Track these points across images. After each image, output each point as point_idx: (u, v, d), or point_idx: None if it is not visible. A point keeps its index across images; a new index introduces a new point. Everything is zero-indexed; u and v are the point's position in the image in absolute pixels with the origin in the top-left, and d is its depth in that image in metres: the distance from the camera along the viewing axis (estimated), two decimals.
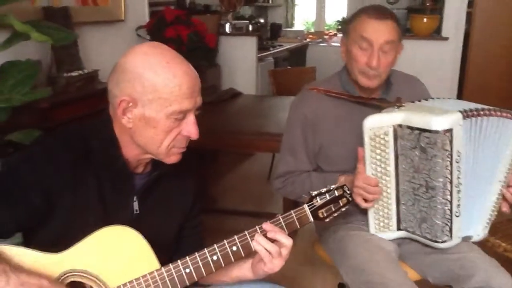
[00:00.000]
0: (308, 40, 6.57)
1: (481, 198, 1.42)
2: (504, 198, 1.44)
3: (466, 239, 1.45)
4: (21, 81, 1.56)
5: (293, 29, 6.69)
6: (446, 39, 3.96)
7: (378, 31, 1.43)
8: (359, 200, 1.41)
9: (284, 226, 1.13)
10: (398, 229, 1.46)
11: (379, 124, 1.35)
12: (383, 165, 1.39)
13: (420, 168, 1.33)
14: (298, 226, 1.15)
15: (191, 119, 1.04)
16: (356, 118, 1.43)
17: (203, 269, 1.05)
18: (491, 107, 1.36)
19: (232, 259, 1.07)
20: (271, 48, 5.14)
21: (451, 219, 1.36)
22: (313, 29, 7.23)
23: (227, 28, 4.12)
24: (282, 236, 1.08)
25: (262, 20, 6.01)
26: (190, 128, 1.04)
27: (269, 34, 6.34)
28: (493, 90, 4.10)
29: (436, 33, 4.08)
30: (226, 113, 2.95)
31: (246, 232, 1.09)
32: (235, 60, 4.12)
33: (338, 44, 6.05)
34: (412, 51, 4.05)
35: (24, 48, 1.86)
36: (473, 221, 1.44)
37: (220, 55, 4.13)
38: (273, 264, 1.09)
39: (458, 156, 1.30)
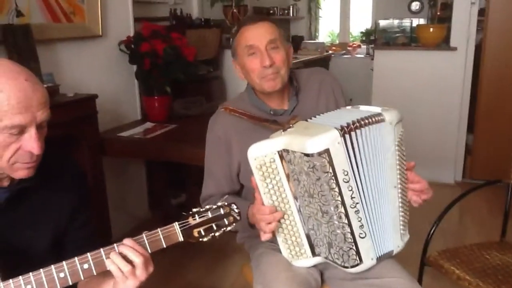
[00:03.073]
0: (330, 52, 6.47)
1: (386, 210, 1.33)
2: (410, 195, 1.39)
3: (387, 256, 1.37)
4: None
5: (315, 41, 6.60)
6: (454, 49, 3.76)
7: (259, 34, 1.45)
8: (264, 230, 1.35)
9: (148, 245, 1.09)
10: (314, 255, 1.39)
11: (263, 152, 1.29)
12: (278, 193, 1.32)
13: (312, 192, 1.26)
14: (164, 245, 1.11)
15: (31, 134, 1.03)
16: (266, 132, 1.39)
17: (46, 286, 1.02)
18: (370, 115, 1.27)
19: (82, 277, 1.04)
20: None
21: (354, 242, 1.28)
22: (338, 40, 7.12)
23: (231, 41, 4.10)
24: (134, 255, 1.05)
25: None
26: (30, 144, 1.03)
27: None
28: (509, 101, 3.83)
29: (445, 44, 3.89)
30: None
31: (101, 250, 1.06)
32: None
33: (362, 56, 5.95)
34: (418, 62, 3.90)
35: None
36: (388, 235, 1.35)
37: (225, 68, 4.13)
38: (126, 285, 1.06)
39: (346, 175, 1.21)
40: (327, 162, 1.18)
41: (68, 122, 2.23)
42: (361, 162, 1.25)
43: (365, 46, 6.53)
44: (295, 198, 1.32)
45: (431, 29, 3.82)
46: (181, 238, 1.11)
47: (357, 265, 1.31)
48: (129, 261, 1.06)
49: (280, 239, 1.39)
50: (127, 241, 1.07)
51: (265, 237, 1.33)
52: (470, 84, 3.88)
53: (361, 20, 6.93)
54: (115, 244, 1.07)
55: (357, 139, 1.23)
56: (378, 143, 1.28)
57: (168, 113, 2.99)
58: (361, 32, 6.59)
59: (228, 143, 1.54)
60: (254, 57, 1.45)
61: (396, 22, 4.34)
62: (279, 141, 1.28)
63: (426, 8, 5.67)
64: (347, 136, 1.21)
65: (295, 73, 1.62)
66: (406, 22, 4.31)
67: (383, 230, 1.33)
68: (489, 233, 2.85)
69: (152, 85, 2.86)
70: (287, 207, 1.33)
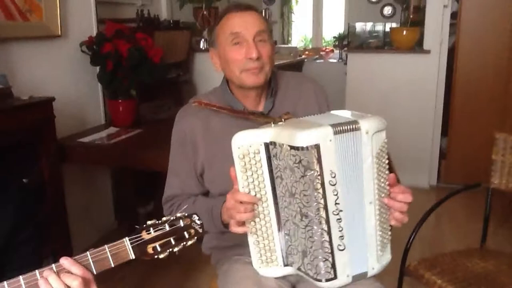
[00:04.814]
0: (303, 56, 6.41)
1: (362, 227, 1.20)
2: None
3: (360, 277, 1.23)
4: None
5: (288, 45, 6.53)
6: (427, 52, 3.73)
7: (247, 22, 1.30)
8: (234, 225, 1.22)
9: (92, 264, 0.95)
10: (285, 264, 1.26)
11: (248, 142, 1.17)
12: (257, 189, 1.20)
13: (293, 192, 1.15)
14: (113, 264, 0.97)
15: None
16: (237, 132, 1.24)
17: None
18: (345, 122, 1.13)
19: None
20: None
21: (332, 253, 1.16)
22: (311, 45, 7.07)
23: (202, 44, 3.99)
24: (69, 278, 0.92)
25: None
26: None
27: None
28: (482, 103, 3.80)
29: (418, 47, 3.85)
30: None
31: (37, 271, 0.92)
32: (210, 77, 3.97)
33: (335, 60, 5.87)
34: (392, 65, 3.85)
35: None
36: (364, 255, 1.22)
37: (195, 72, 4.01)
38: None
39: (333, 177, 1.10)
40: (315, 158, 1.08)
41: (23, 127, 2.06)
42: (347, 168, 1.13)
43: (338, 51, 6.50)
44: (275, 196, 1.20)
45: (405, 32, 3.78)
46: (132, 256, 0.98)
47: (331, 279, 1.19)
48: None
49: (251, 241, 1.26)
50: (63, 261, 0.94)
51: (236, 229, 1.21)
52: (444, 87, 3.85)
53: (334, 25, 6.90)
54: (53, 265, 0.94)
55: (347, 141, 1.12)
56: (353, 153, 1.14)
57: (134, 117, 2.84)
58: (334, 37, 6.56)
59: (193, 141, 1.40)
60: (239, 47, 1.30)
61: (369, 25, 4.29)
62: (267, 132, 1.17)
63: (399, 13, 5.67)
64: (340, 135, 1.10)
65: (275, 74, 1.47)
66: (379, 26, 4.26)
67: (359, 248, 1.21)
68: (468, 239, 2.79)
69: (117, 88, 2.70)
70: (265, 205, 1.21)
